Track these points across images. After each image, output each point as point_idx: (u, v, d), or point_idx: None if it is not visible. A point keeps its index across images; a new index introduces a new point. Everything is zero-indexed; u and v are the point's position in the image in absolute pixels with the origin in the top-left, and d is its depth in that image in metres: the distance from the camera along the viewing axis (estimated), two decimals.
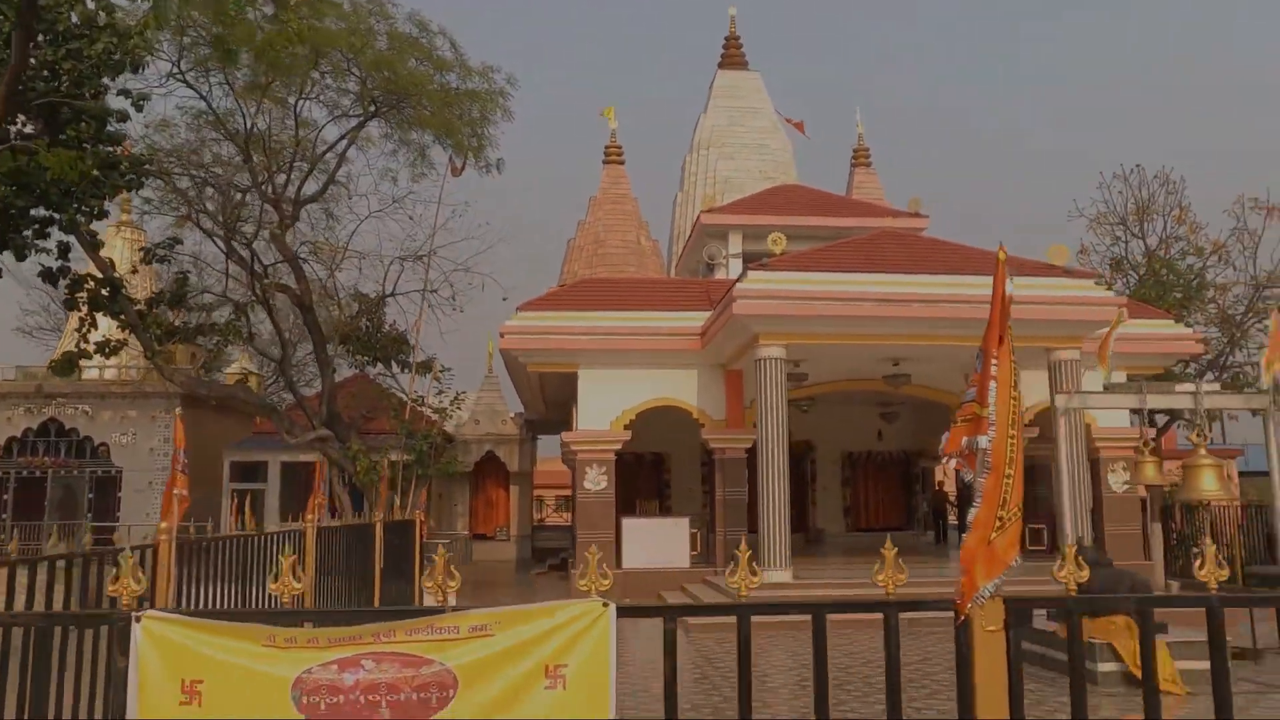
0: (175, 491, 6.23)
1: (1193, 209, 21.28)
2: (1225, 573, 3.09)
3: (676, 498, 25.62)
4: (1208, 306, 20.75)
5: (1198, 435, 9.16)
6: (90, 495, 20.62)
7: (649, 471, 26.55)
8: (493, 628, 2.26)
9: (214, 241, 16.87)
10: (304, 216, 20.17)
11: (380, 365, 21.06)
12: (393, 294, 19.33)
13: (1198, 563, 3.03)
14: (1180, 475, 21.76)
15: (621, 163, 28.43)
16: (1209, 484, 9.15)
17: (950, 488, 29.52)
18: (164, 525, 6.20)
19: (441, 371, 20.05)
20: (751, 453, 18.59)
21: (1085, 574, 2.90)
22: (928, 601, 5.13)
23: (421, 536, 15.62)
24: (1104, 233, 21.74)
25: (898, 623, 2.65)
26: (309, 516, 9.34)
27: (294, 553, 2.99)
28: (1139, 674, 8.99)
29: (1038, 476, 21.98)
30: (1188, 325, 20.57)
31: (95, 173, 13.09)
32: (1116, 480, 18.35)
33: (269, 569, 7.68)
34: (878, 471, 26.98)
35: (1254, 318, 20.26)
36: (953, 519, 26.60)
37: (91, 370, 20.85)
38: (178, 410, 8.97)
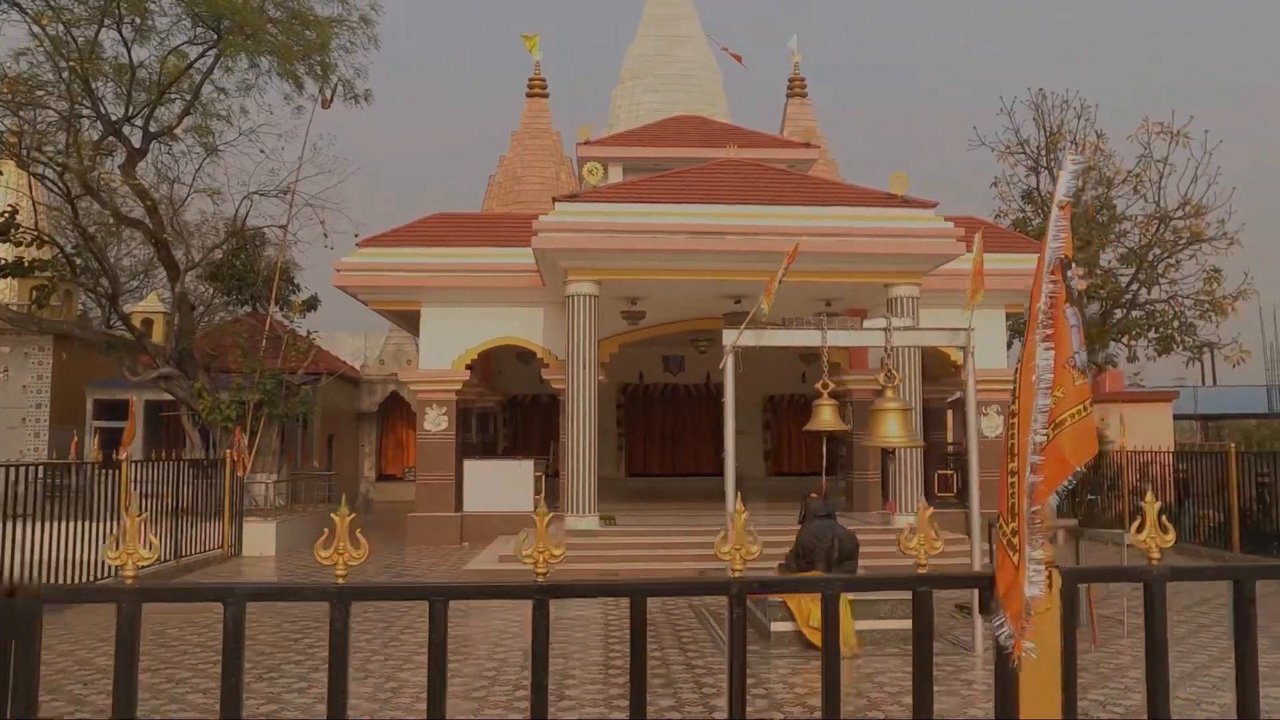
0: None
1: (1108, 137, 19.82)
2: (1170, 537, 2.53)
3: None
4: (1116, 241, 19.39)
5: (884, 376, 8.30)
6: None
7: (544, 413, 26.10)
8: None
9: (25, 170, 16.41)
10: (183, 150, 19.73)
11: (257, 305, 20.68)
12: (240, 230, 18.77)
13: (1134, 524, 2.51)
14: (1106, 420, 20.79)
15: (545, 95, 27.41)
16: (892, 430, 8.32)
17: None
18: None
19: (302, 309, 19.61)
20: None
21: None
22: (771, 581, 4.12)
23: (236, 476, 15.32)
24: (1015, 163, 20.38)
25: (744, 611, 2.04)
26: None
27: None
28: (809, 635, 8.34)
29: (931, 421, 21.08)
30: (1091, 262, 19.33)
31: None
32: (989, 425, 17.42)
33: None
34: (800, 414, 26.11)
35: (1162, 253, 18.88)
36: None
37: None
38: None
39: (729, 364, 8.36)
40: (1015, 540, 2.21)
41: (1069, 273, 2.21)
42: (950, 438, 21.84)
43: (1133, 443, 19.11)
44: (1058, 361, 2.20)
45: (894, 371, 8.28)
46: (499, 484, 17.04)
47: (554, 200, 14.22)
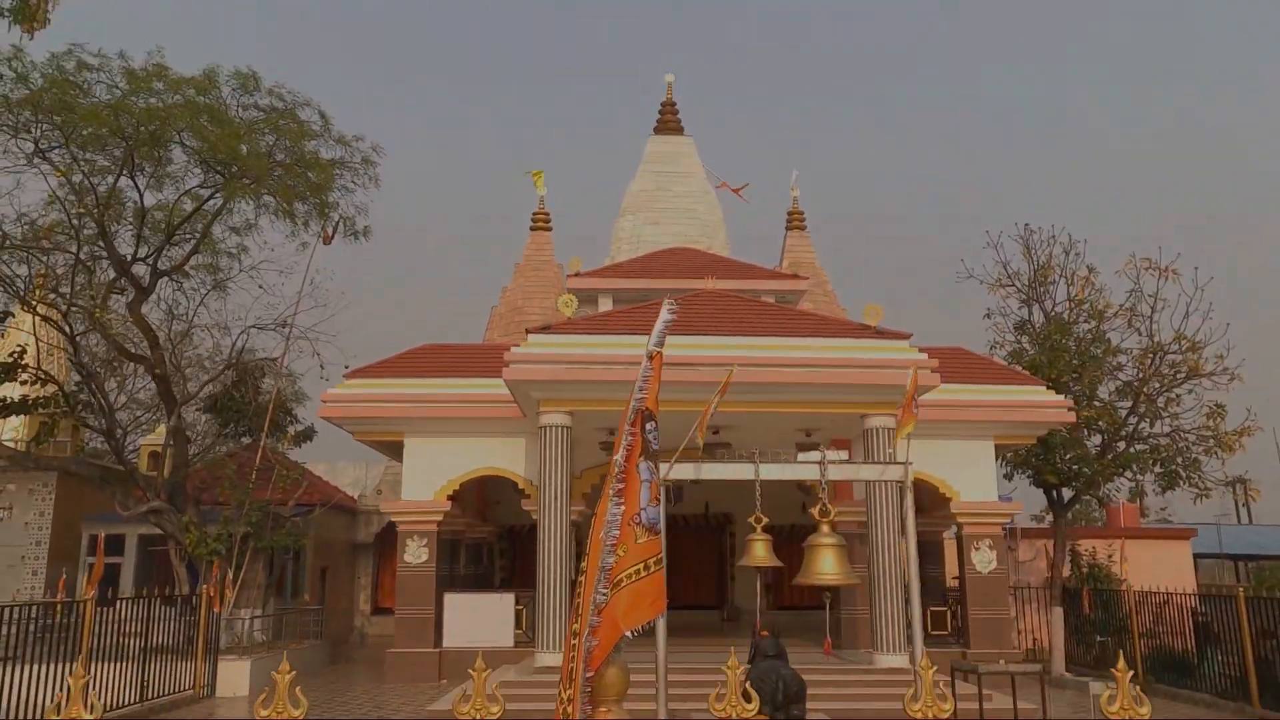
0: None
1: (1099, 271, 19.83)
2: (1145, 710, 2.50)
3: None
4: (1111, 374, 19.15)
5: (819, 511, 8.17)
6: None
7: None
8: None
9: (31, 312, 17.01)
10: (193, 287, 20.43)
11: (254, 436, 20.91)
12: (236, 362, 19.24)
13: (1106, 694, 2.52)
14: (1116, 554, 20.08)
15: (549, 229, 28.25)
16: (828, 566, 8.14)
17: None
18: None
19: (295, 440, 19.85)
20: (577, 525, 17.81)
21: None
22: None
23: (213, 612, 15.17)
24: (1006, 295, 20.40)
25: None
26: None
27: None
28: None
29: (927, 555, 20.52)
30: (1088, 394, 19.08)
31: None
32: (982, 560, 16.94)
33: None
34: (802, 546, 25.54)
35: (1160, 387, 18.61)
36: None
37: None
38: None
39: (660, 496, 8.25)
40: (570, 709, 2.13)
41: (649, 425, 2.19)
42: (949, 572, 21.21)
43: (1147, 582, 18.40)
44: (625, 517, 2.17)
45: (829, 506, 8.15)
46: (479, 617, 16.72)
47: (527, 332, 14.46)
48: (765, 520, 8.21)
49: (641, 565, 2.19)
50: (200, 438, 22.26)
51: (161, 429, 25.59)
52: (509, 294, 27.21)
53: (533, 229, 28.13)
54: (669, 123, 29.32)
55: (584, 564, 2.22)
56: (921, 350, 14.98)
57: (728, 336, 14.32)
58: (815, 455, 8.53)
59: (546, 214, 28.29)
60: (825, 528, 8.17)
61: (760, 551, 8.23)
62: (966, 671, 10.61)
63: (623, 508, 2.13)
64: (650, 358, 2.14)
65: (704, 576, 25.82)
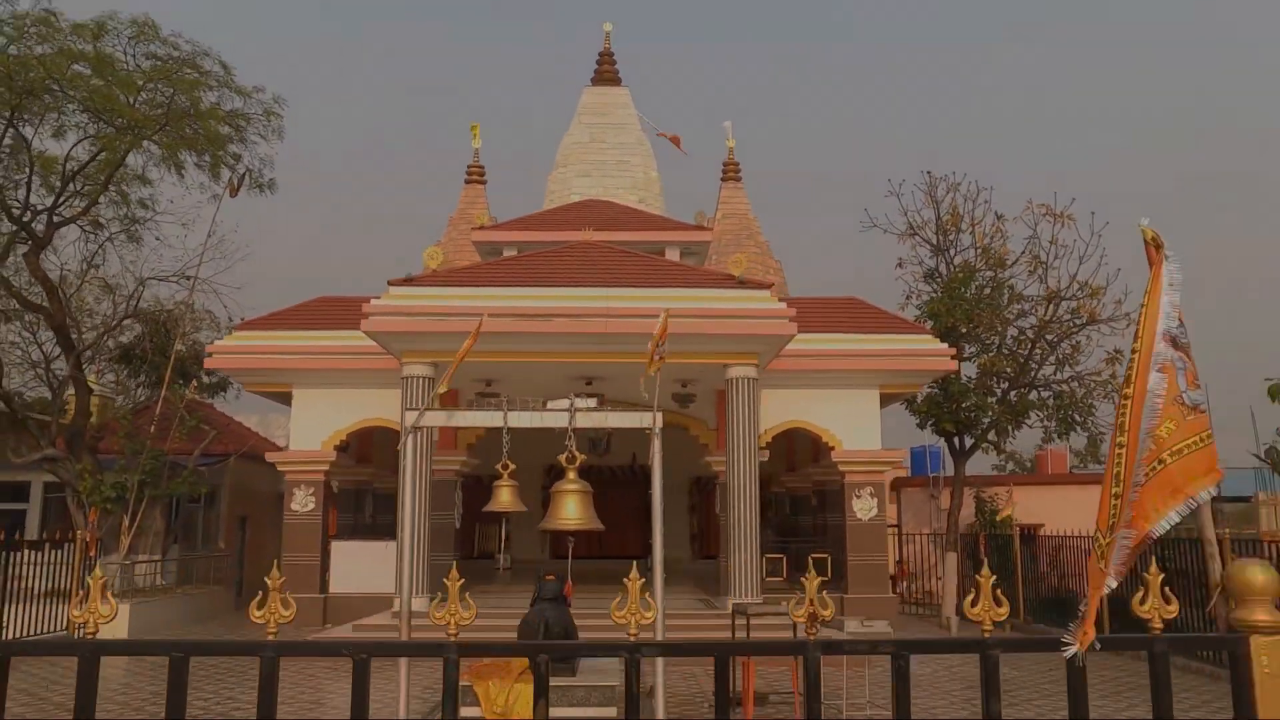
0: None
1: (1007, 218, 19.68)
2: (1004, 610, 2.67)
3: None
4: (1013, 321, 19.12)
5: (566, 459, 8.24)
6: None
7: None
8: None
9: None
10: (107, 237, 20.46)
11: (167, 387, 21.08)
12: (132, 313, 19.38)
13: (969, 598, 2.71)
14: (1005, 500, 20.23)
15: (483, 182, 28.13)
16: (570, 512, 8.19)
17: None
18: None
19: (199, 390, 20.02)
20: (464, 476, 18.01)
21: None
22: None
23: (88, 557, 15.46)
24: (915, 245, 20.29)
25: None
26: None
27: None
28: None
29: (827, 503, 20.71)
30: (998, 342, 19.11)
31: None
32: (863, 507, 17.09)
33: None
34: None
35: (1060, 333, 18.59)
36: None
37: None
38: None
39: (408, 444, 8.36)
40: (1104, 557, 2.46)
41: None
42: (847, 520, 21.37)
43: (1066, 526, 18.54)
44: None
45: (575, 453, 8.21)
46: (367, 565, 16.98)
47: (389, 283, 14.50)
48: (513, 467, 8.32)
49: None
50: (135, 389, 22.44)
51: (91, 379, 25.90)
52: (441, 247, 27.17)
53: (467, 182, 28.01)
54: (606, 73, 29.00)
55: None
56: (815, 300, 15.00)
57: (588, 288, 14.34)
58: (564, 403, 8.58)
59: (481, 167, 28.16)
60: (571, 474, 8.22)
61: (505, 497, 8.31)
62: (739, 613, 10.86)
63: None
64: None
65: (630, 526, 26.07)
